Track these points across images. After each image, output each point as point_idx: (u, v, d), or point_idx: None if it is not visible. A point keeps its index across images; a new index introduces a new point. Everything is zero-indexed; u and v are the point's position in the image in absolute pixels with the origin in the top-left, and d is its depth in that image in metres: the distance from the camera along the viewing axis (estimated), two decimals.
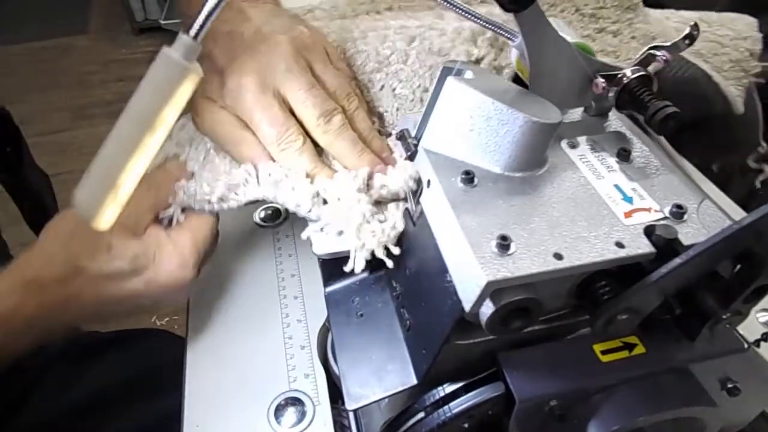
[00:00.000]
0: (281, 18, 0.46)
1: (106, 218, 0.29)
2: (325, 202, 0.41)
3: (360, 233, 0.39)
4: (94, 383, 0.62)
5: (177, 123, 0.48)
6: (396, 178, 0.39)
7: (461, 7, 0.36)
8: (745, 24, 0.65)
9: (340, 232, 0.40)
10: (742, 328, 0.35)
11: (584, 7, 0.60)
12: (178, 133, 0.48)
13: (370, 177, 0.41)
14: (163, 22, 2.52)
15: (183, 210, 0.44)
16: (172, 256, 0.41)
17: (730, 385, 0.35)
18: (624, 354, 0.34)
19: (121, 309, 0.43)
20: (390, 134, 0.47)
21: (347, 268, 0.39)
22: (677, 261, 0.28)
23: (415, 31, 0.47)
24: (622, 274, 0.31)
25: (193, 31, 0.28)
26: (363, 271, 0.42)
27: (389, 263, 0.39)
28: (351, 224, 0.39)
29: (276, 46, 0.43)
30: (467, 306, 0.29)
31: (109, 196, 0.28)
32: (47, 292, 0.39)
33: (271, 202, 0.43)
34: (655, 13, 0.65)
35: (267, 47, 0.43)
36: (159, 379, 0.62)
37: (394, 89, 0.47)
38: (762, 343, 0.37)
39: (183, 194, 0.43)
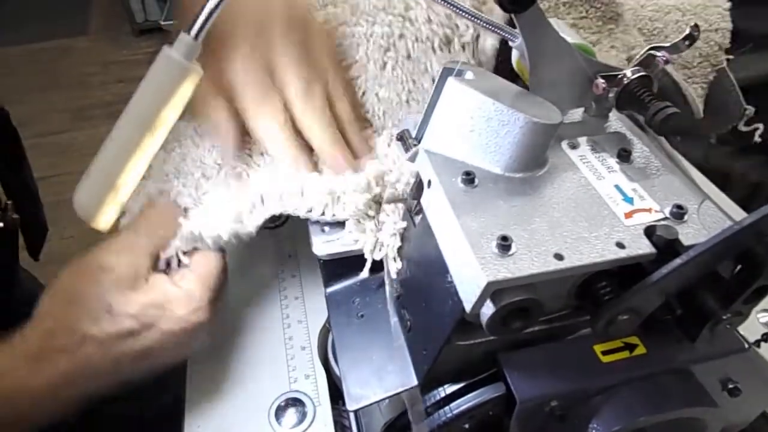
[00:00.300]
0: None
1: (105, 218, 0.29)
2: (338, 199, 0.41)
3: (374, 234, 0.39)
4: None
5: (158, 157, 0.44)
6: (402, 178, 0.40)
7: (461, 7, 0.36)
8: (717, 13, 0.65)
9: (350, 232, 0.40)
10: (743, 329, 0.35)
11: (566, 16, 0.59)
12: (161, 167, 0.45)
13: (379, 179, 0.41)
14: (163, 23, 2.51)
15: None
16: (181, 302, 0.39)
17: (731, 386, 0.35)
18: (625, 354, 0.34)
19: (138, 368, 0.40)
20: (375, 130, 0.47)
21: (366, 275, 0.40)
22: (678, 261, 0.28)
23: (386, 42, 0.47)
24: (623, 275, 0.31)
25: (193, 31, 0.28)
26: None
27: (398, 265, 0.39)
28: (367, 228, 0.39)
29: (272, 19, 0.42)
30: (468, 306, 0.29)
31: (109, 196, 0.28)
32: (53, 364, 0.36)
33: None
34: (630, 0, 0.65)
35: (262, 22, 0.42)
36: (162, 376, 0.61)
37: (377, 94, 0.47)
38: (762, 344, 0.37)
39: (184, 235, 0.41)
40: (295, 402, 0.44)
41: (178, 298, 0.39)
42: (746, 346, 0.35)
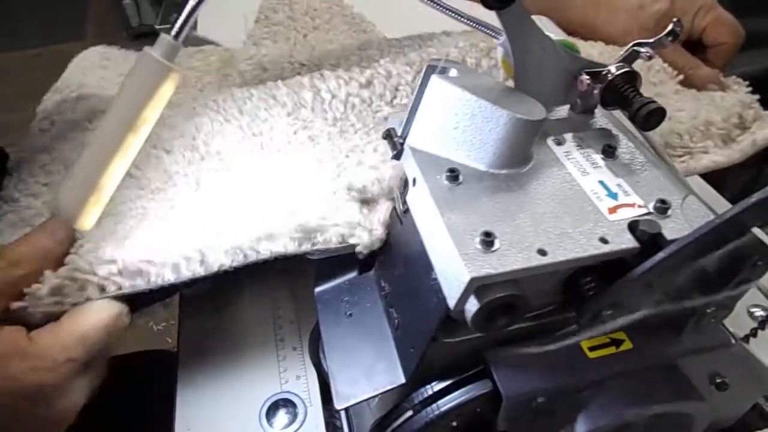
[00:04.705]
0: None
1: (89, 219, 0.29)
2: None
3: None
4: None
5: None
6: (387, 176, 0.39)
7: (446, 5, 0.36)
8: None
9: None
10: (734, 324, 0.35)
11: None
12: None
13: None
14: (158, 26, 2.52)
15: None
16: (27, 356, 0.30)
17: (718, 380, 0.35)
18: (611, 350, 0.34)
19: None
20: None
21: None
22: (660, 255, 0.28)
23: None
24: (607, 270, 0.31)
25: (174, 31, 0.28)
26: (353, 270, 0.43)
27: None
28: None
29: None
30: (451, 303, 0.29)
31: (92, 196, 0.28)
32: None
33: None
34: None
35: None
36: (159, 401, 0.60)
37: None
38: (752, 339, 0.37)
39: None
40: (286, 403, 0.44)
41: (25, 354, 0.30)
42: (733, 340, 0.35)
